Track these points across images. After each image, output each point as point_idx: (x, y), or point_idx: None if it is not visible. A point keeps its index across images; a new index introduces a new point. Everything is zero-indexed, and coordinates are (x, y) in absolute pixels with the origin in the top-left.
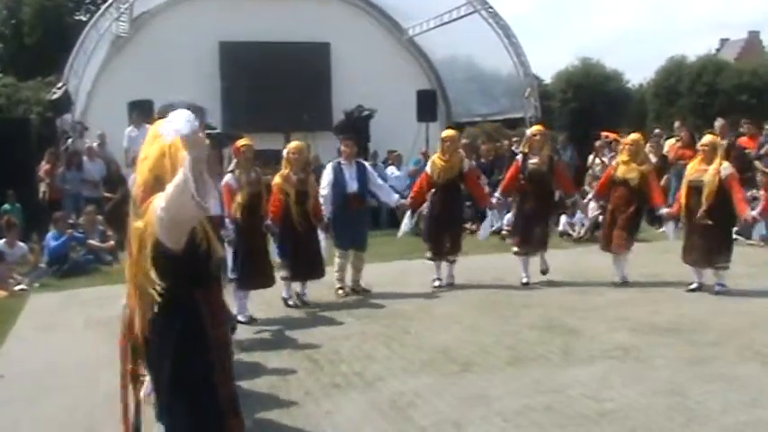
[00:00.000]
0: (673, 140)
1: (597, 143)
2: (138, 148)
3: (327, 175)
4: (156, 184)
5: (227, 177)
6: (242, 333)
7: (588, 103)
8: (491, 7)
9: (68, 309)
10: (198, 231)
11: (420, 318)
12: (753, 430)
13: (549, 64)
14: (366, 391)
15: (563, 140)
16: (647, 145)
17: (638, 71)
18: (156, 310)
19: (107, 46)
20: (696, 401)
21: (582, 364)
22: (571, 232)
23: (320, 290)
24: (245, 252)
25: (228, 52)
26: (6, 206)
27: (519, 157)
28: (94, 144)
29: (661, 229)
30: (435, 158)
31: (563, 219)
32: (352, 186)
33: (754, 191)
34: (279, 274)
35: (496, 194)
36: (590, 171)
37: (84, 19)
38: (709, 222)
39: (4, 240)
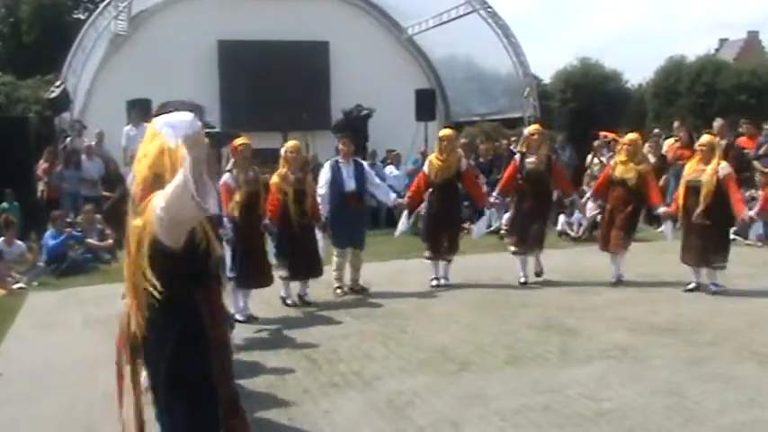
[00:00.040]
0: (672, 140)
1: (596, 143)
2: (136, 146)
3: (325, 174)
4: (156, 181)
5: (226, 176)
6: (240, 332)
7: (587, 102)
8: (490, 7)
9: (67, 307)
10: (197, 230)
11: (418, 317)
12: (750, 430)
13: (548, 64)
14: (364, 391)
15: (562, 140)
16: (646, 145)
17: (637, 71)
18: (155, 309)
19: (105, 44)
20: (694, 401)
21: (580, 364)
22: (569, 232)
23: (318, 289)
24: (243, 251)
25: (227, 51)
26: (5, 205)
27: (517, 156)
28: (93, 143)
29: (659, 229)
30: (432, 158)
31: (561, 218)
32: (350, 185)
33: (753, 191)
34: (277, 274)
35: (494, 194)
36: (588, 171)
37: (82, 17)
38: (707, 222)
39: (2, 239)
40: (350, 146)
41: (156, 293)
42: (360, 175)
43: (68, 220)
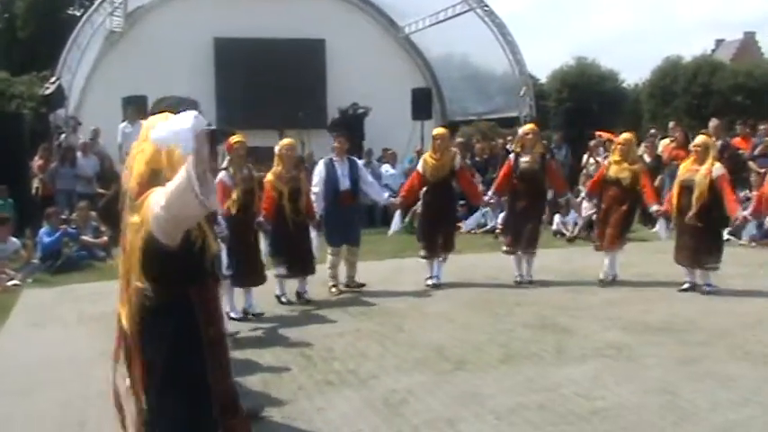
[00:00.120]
0: (667, 141)
1: (592, 143)
2: (132, 143)
3: (319, 172)
4: (153, 177)
5: (222, 174)
6: (236, 330)
7: (583, 102)
8: (487, 5)
9: (61, 304)
10: (193, 228)
11: (413, 316)
12: (742, 429)
13: (544, 63)
14: (359, 389)
15: (558, 140)
16: (642, 145)
17: (633, 71)
18: (150, 307)
19: (101, 41)
20: (687, 400)
21: (575, 363)
22: (564, 231)
23: (314, 287)
24: (238, 249)
25: (223, 48)
26: None
27: (511, 156)
28: (88, 140)
29: (654, 229)
30: (427, 157)
31: (556, 218)
32: (344, 183)
33: (748, 191)
34: (272, 272)
35: (489, 193)
36: (584, 170)
37: (77, 14)
38: (699, 224)
39: None
40: (344, 144)
41: (150, 292)
42: (354, 173)
43: (63, 217)
